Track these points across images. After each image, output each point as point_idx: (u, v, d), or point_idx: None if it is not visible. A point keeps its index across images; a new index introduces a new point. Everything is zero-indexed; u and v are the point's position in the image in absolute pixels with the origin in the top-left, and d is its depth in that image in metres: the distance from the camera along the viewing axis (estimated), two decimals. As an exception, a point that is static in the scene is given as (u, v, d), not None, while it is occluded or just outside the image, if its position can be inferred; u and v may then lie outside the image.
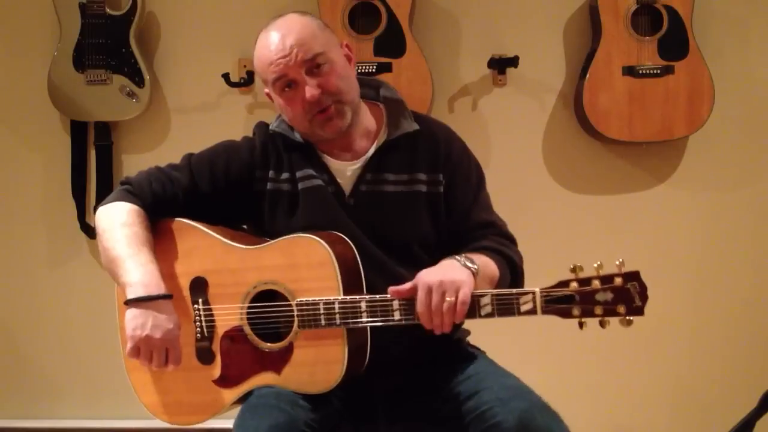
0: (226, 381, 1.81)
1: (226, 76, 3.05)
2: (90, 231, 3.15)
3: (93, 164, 3.16)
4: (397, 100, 1.97)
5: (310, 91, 1.80)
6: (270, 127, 1.94)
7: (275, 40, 1.83)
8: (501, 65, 3.05)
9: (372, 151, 1.90)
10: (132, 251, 1.78)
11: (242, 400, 1.81)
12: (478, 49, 3.09)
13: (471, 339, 1.97)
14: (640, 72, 2.91)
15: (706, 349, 3.11)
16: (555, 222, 3.12)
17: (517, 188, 3.03)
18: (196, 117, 3.16)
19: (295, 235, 1.79)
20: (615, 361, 3.02)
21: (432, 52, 3.02)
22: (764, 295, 3.11)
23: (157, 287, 1.75)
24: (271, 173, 1.90)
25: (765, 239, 3.11)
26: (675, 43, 2.91)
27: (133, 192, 1.87)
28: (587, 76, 2.93)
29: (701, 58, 2.92)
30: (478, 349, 1.97)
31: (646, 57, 2.92)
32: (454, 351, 1.90)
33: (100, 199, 3.09)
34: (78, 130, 3.14)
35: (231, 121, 3.08)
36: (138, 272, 1.75)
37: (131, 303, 1.74)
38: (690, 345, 3.07)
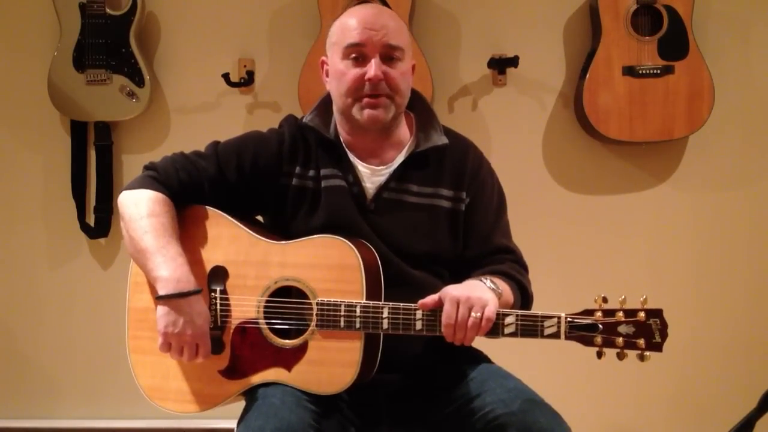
0: (232, 373, 1.81)
1: (226, 76, 3.05)
2: (90, 231, 3.15)
3: (93, 164, 3.16)
4: (428, 111, 1.98)
5: (375, 71, 1.80)
6: (303, 120, 1.93)
7: (370, 13, 1.84)
8: (501, 65, 3.05)
9: (400, 160, 1.90)
10: (161, 243, 1.78)
11: (245, 394, 1.81)
12: (478, 49, 3.09)
13: (472, 342, 1.97)
14: (640, 72, 2.91)
15: (706, 349, 3.11)
16: (555, 222, 3.12)
17: (517, 188, 3.02)
18: (196, 117, 3.15)
19: (324, 235, 1.79)
20: (615, 362, 3.01)
21: (432, 52, 3.03)
22: (764, 294, 3.11)
23: (188, 283, 1.75)
24: (298, 169, 1.90)
25: (765, 239, 3.11)
26: (675, 43, 2.91)
27: (159, 179, 1.86)
28: (587, 76, 2.93)
29: (701, 58, 2.92)
30: (480, 352, 1.97)
31: (646, 57, 2.92)
32: (456, 354, 1.89)
33: (100, 200, 3.13)
34: (78, 130, 3.14)
35: (231, 121, 3.08)
36: (169, 267, 1.75)
37: (163, 300, 1.75)
38: (690, 345, 3.07)
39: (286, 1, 3.13)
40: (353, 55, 1.82)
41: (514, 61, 3.01)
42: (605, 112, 2.94)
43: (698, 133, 2.98)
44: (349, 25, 1.84)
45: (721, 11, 3.06)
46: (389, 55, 1.82)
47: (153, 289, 1.80)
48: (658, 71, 2.91)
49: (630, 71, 2.92)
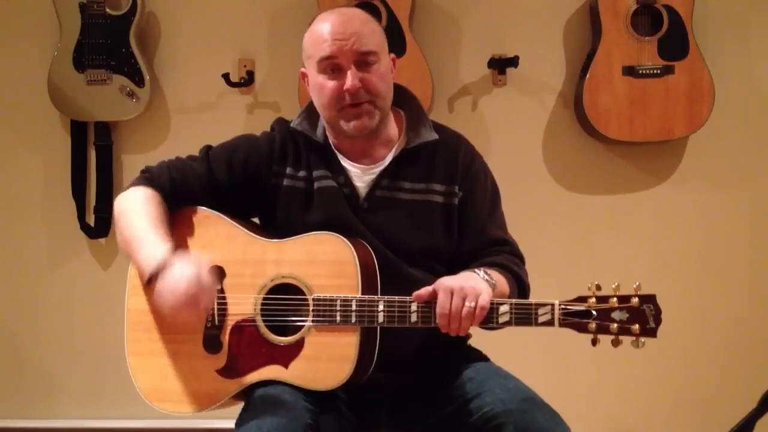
0: (230, 371, 1.81)
1: (226, 76, 3.05)
2: (90, 231, 3.15)
3: (93, 164, 3.16)
4: (417, 107, 1.98)
5: (352, 80, 1.80)
6: (291, 125, 1.94)
7: (337, 22, 1.83)
8: (501, 65, 3.05)
9: (390, 158, 1.90)
10: (148, 226, 1.78)
11: (242, 394, 1.82)
12: (478, 49, 3.09)
13: (471, 342, 1.98)
14: (640, 72, 2.92)
15: (706, 348, 3.11)
16: (555, 222, 3.12)
17: (517, 188, 3.03)
18: (196, 117, 3.16)
19: (319, 232, 1.80)
20: (615, 361, 3.02)
21: (432, 52, 3.02)
22: (764, 294, 3.11)
23: (155, 255, 1.72)
24: (288, 170, 1.90)
25: (765, 239, 3.11)
26: (675, 43, 2.91)
27: (152, 179, 1.88)
28: (587, 76, 2.93)
29: (701, 58, 2.92)
30: (479, 351, 1.97)
31: (646, 57, 2.92)
32: (455, 354, 1.90)
33: (100, 199, 3.14)
34: (78, 130, 3.14)
35: (231, 121, 3.08)
36: (151, 246, 1.74)
37: (150, 282, 1.73)
38: (690, 345, 3.07)
39: (286, 1, 3.13)
40: (328, 69, 1.83)
41: (514, 61, 3.01)
42: (605, 112, 2.94)
43: (698, 133, 2.97)
44: (319, 38, 1.83)
45: (721, 11, 3.06)
46: (363, 60, 1.82)
47: (143, 279, 1.77)
48: (658, 71, 2.91)
49: (630, 71, 2.92)
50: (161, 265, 1.71)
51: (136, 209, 1.83)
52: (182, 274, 1.68)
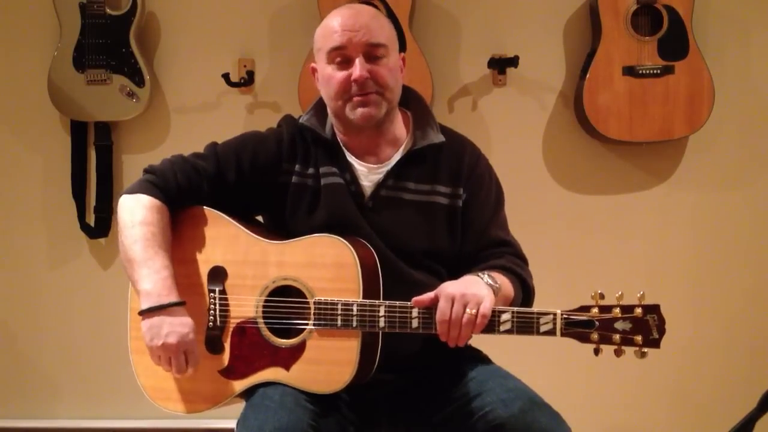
0: (232, 372, 1.81)
1: (226, 76, 3.05)
2: (90, 231, 3.15)
3: (93, 164, 3.16)
4: (425, 108, 1.99)
5: (360, 71, 1.81)
6: (300, 120, 1.95)
7: (347, 15, 1.85)
8: (501, 65, 3.05)
9: (397, 158, 1.91)
10: (148, 255, 1.79)
11: (244, 394, 1.82)
12: (478, 49, 3.09)
13: (472, 342, 1.97)
14: (640, 72, 2.92)
15: (706, 348, 3.11)
16: (555, 222, 3.12)
17: (517, 188, 3.02)
18: (196, 117, 3.16)
19: (321, 234, 1.80)
20: (615, 362, 3.01)
21: (432, 52, 3.03)
22: (764, 294, 3.11)
23: (169, 296, 1.76)
24: (297, 167, 1.91)
25: (765, 239, 3.11)
26: (675, 43, 2.91)
27: (157, 184, 1.87)
28: (587, 76, 2.93)
29: (701, 58, 2.92)
30: (480, 352, 1.97)
31: (646, 57, 2.92)
32: (456, 354, 1.89)
33: (100, 199, 3.14)
34: (78, 130, 3.14)
35: (231, 121, 3.08)
36: (151, 280, 1.77)
37: (145, 314, 1.76)
38: (690, 345, 3.07)
39: (286, 1, 3.13)
40: (337, 59, 1.84)
41: (514, 61, 3.01)
42: (605, 112, 2.94)
43: (698, 133, 2.97)
44: (329, 30, 1.85)
45: (721, 11, 3.06)
46: (372, 53, 1.83)
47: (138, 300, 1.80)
48: (658, 71, 2.91)
49: (630, 71, 2.92)
50: (158, 305, 1.76)
51: (139, 226, 1.82)
52: (173, 328, 1.75)
